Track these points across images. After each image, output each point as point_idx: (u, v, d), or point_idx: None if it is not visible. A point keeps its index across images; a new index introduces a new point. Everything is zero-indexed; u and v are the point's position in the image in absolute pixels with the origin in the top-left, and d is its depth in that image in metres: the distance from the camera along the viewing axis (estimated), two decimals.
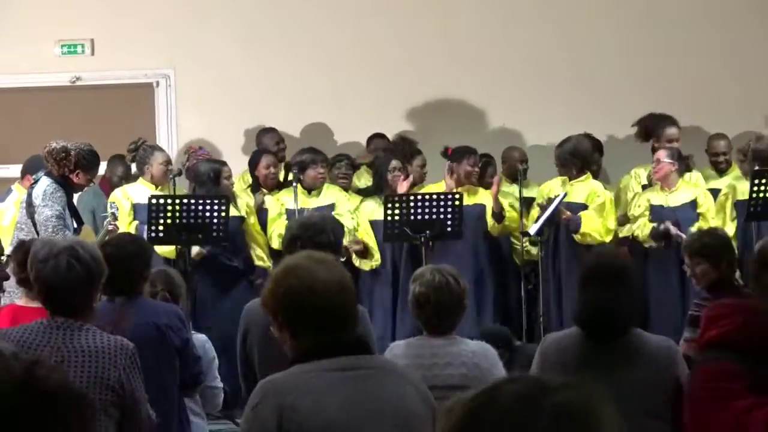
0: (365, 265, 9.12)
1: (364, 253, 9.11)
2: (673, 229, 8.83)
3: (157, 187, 9.02)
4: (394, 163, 9.33)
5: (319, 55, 10.95)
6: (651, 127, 9.58)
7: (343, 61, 10.98)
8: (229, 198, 8.71)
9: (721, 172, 9.64)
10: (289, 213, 9.03)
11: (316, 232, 5.15)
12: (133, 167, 9.40)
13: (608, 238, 9.02)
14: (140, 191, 8.95)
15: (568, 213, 8.93)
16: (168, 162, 9.16)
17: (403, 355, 4.94)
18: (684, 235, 8.79)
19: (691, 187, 9.20)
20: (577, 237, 8.96)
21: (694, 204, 9.05)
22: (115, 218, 8.29)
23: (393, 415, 3.23)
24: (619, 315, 4.44)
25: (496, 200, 9.08)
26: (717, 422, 2.86)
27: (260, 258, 9.04)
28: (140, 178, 9.12)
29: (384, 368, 3.34)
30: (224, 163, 9.22)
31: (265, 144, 10.12)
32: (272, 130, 10.28)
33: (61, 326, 4.09)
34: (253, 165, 9.55)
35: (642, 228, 9.03)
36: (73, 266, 4.07)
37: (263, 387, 3.31)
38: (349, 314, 3.29)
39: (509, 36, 10.93)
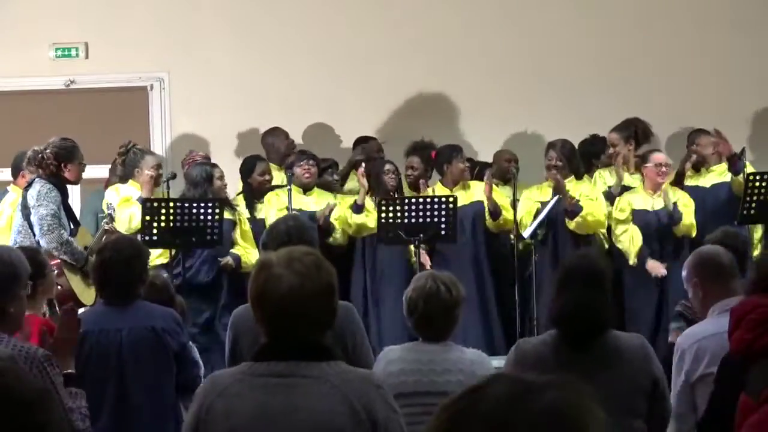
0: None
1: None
2: (659, 271, 8.85)
3: None
4: (389, 165, 9.37)
5: (314, 58, 10.94)
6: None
7: (338, 65, 10.97)
8: (223, 200, 8.71)
9: (696, 169, 9.62)
10: None
11: (303, 231, 5.21)
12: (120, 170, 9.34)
13: (604, 228, 9.07)
14: (132, 192, 8.95)
15: (570, 199, 8.95)
16: (159, 166, 9.11)
17: (400, 360, 4.94)
18: (664, 272, 8.79)
19: (673, 192, 9.19)
20: (575, 221, 8.94)
21: (674, 207, 9.06)
22: (112, 219, 8.28)
23: (309, 428, 3.13)
24: (600, 314, 4.45)
25: (490, 199, 9.11)
26: None
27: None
28: (130, 180, 9.10)
29: (320, 379, 3.14)
30: (215, 165, 9.23)
31: (272, 143, 10.06)
32: (277, 128, 10.18)
33: None
34: (246, 173, 9.43)
35: (628, 244, 9.02)
36: None
37: (205, 381, 3.34)
38: (305, 318, 3.15)
39: (505, 39, 10.95)
